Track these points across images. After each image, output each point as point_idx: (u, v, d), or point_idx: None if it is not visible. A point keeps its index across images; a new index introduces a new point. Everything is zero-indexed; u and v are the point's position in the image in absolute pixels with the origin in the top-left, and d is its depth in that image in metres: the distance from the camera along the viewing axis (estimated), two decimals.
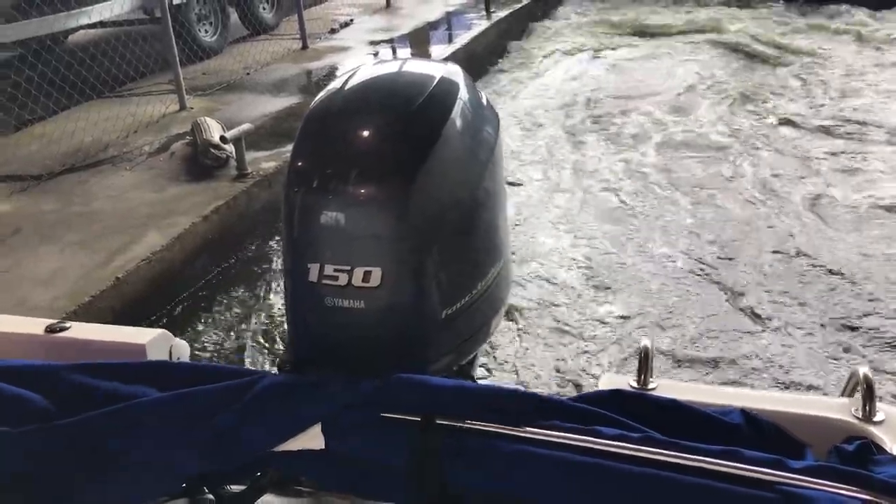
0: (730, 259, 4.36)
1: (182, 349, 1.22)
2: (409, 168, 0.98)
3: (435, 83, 1.07)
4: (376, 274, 0.97)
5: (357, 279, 0.97)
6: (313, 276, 0.98)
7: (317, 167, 1.01)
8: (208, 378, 0.96)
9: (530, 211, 5.13)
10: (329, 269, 0.98)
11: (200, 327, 4.10)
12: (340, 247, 0.98)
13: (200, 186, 4.95)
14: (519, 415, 0.87)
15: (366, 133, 1.02)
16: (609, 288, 4.16)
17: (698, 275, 4.23)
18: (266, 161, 5.27)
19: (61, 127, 5.68)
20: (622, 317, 3.91)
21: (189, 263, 4.38)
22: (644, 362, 0.99)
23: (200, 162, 5.16)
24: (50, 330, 1.18)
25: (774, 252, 4.39)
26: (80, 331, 1.19)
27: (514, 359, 3.62)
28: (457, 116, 1.04)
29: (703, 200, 5.09)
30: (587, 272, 4.34)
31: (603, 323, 3.86)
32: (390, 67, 1.17)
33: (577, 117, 6.73)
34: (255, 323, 4.11)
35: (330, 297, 0.98)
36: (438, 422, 0.88)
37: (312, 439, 0.91)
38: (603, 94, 7.27)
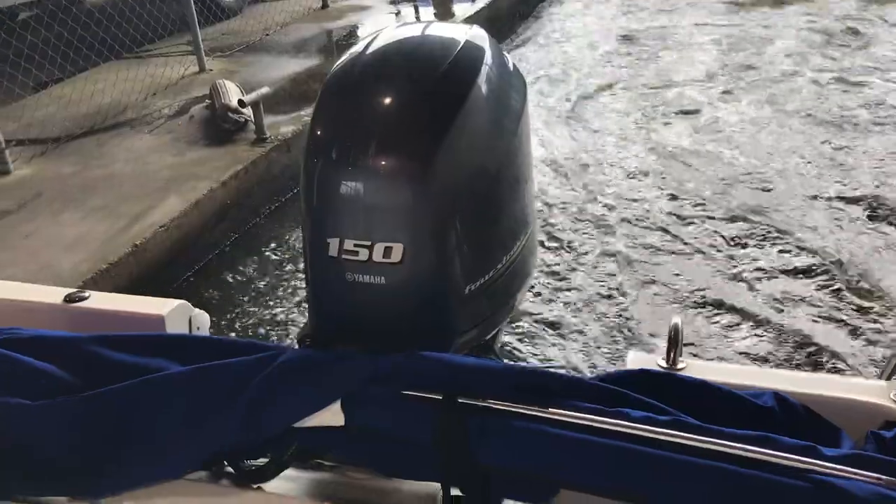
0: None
1: (202, 319, 1.21)
2: (433, 138, 0.95)
3: (460, 47, 1.03)
4: (397, 249, 0.94)
5: (378, 255, 0.94)
6: (333, 250, 0.96)
7: (336, 137, 0.98)
8: (228, 352, 0.96)
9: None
10: (349, 244, 0.95)
11: (219, 295, 4.12)
12: (361, 221, 0.95)
13: (219, 151, 4.93)
14: (543, 395, 0.85)
15: (387, 100, 0.98)
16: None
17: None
18: (285, 125, 5.23)
19: (80, 88, 5.66)
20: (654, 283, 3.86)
21: (207, 230, 4.39)
22: (673, 341, 0.96)
23: (219, 125, 5.13)
24: (69, 299, 1.17)
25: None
26: (100, 300, 1.18)
27: (539, 330, 3.57)
28: (482, 82, 1.01)
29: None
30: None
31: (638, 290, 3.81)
32: (413, 31, 1.13)
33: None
34: (274, 291, 4.12)
35: (350, 272, 0.96)
36: (460, 400, 0.87)
37: (333, 415, 0.90)
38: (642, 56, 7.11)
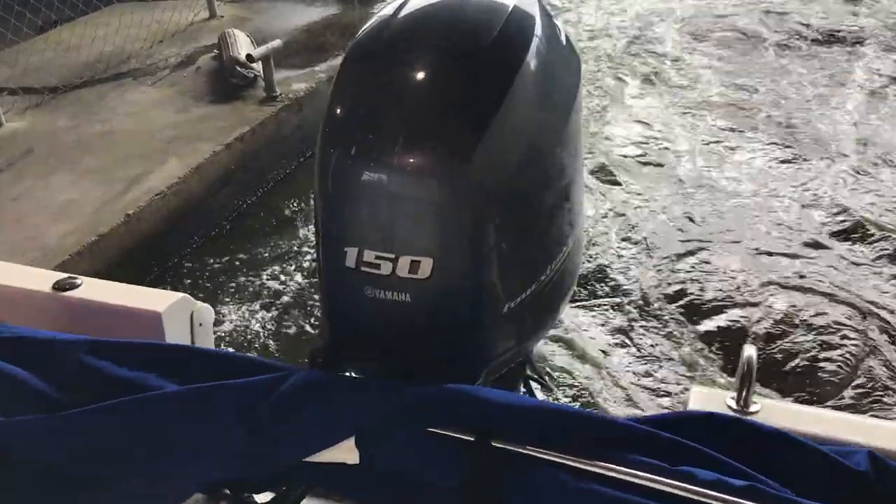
0: None
1: (205, 314, 1.13)
2: (474, 128, 0.81)
3: (507, 15, 0.88)
4: (426, 264, 0.83)
5: (403, 269, 0.83)
6: (350, 261, 0.85)
7: (357, 126, 0.85)
8: (232, 369, 0.88)
9: None
10: (369, 256, 0.84)
11: (219, 274, 3.80)
12: (384, 229, 0.83)
13: (225, 108, 4.58)
14: (592, 444, 0.75)
15: (421, 78, 0.85)
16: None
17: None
18: (297, 81, 4.85)
19: (80, 33, 5.28)
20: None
21: (209, 197, 4.06)
22: (747, 378, 0.84)
23: (226, 79, 4.76)
24: (58, 287, 1.08)
25: None
26: (92, 289, 1.09)
27: (579, 351, 3.02)
28: (532, 60, 0.86)
29: None
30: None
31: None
32: None
33: None
34: (281, 272, 3.79)
35: (370, 286, 0.85)
36: (495, 444, 0.77)
37: (347, 452, 0.81)
38: None
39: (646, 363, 2.99)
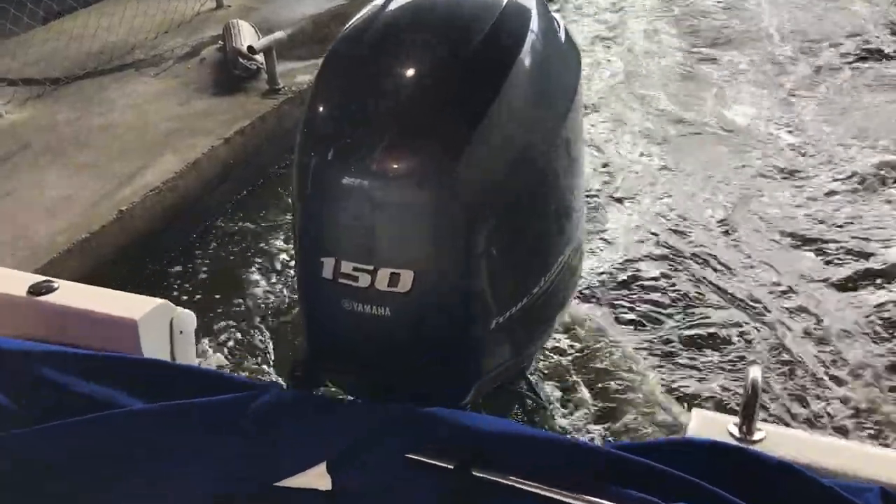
0: None
1: (185, 321, 1.10)
2: (461, 132, 0.77)
3: (501, 9, 0.83)
4: (406, 277, 0.79)
5: (382, 282, 0.81)
6: (327, 272, 0.83)
7: (338, 125, 0.84)
8: (204, 385, 0.84)
9: None
10: (347, 267, 0.82)
11: (216, 271, 3.70)
12: (361, 239, 0.81)
13: (227, 101, 4.48)
14: (582, 476, 0.70)
15: (406, 79, 0.82)
16: None
17: None
18: (301, 73, 4.73)
19: (85, 23, 5.19)
20: None
21: (206, 193, 3.97)
22: (751, 403, 0.78)
23: (230, 71, 4.66)
24: (34, 291, 1.06)
25: None
26: (68, 294, 1.07)
27: (569, 363, 2.83)
28: (526, 56, 0.81)
29: None
30: None
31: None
32: None
33: None
34: (276, 272, 3.68)
35: (347, 299, 0.83)
36: (476, 473, 0.72)
37: (319, 477, 0.76)
38: None
39: (649, 378, 2.82)
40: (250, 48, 4.39)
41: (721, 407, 2.55)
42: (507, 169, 0.81)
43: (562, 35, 0.92)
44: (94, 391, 0.85)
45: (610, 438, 2.23)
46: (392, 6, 0.86)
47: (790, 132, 4.46)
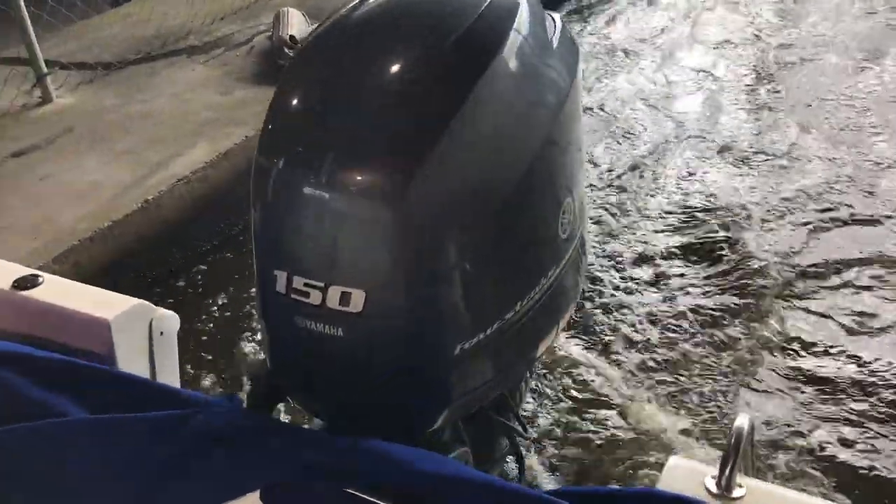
0: None
1: (167, 323, 1.06)
2: (418, 146, 0.72)
3: (482, 9, 0.79)
4: (358, 297, 0.75)
5: (333, 300, 0.75)
6: (280, 286, 0.78)
7: (294, 131, 0.79)
8: (147, 398, 0.82)
9: None
10: (298, 282, 0.77)
11: (244, 264, 3.66)
12: (312, 253, 0.76)
13: (266, 92, 4.41)
14: None
15: (368, 86, 0.76)
16: None
17: None
18: None
19: (150, 8, 5.27)
20: None
21: (236, 185, 3.93)
22: (732, 454, 0.72)
23: (275, 61, 4.62)
24: (18, 285, 1.04)
25: None
26: (50, 290, 1.05)
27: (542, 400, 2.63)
28: (507, 58, 0.77)
29: None
30: None
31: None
32: None
33: None
34: None
35: (300, 317, 0.78)
36: None
37: None
38: None
39: (633, 412, 2.59)
40: (292, 38, 4.33)
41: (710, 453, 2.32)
42: (475, 184, 0.74)
43: (556, 34, 0.85)
44: (47, 398, 0.82)
45: (569, 479, 2.08)
46: (364, 7, 0.81)
47: None
